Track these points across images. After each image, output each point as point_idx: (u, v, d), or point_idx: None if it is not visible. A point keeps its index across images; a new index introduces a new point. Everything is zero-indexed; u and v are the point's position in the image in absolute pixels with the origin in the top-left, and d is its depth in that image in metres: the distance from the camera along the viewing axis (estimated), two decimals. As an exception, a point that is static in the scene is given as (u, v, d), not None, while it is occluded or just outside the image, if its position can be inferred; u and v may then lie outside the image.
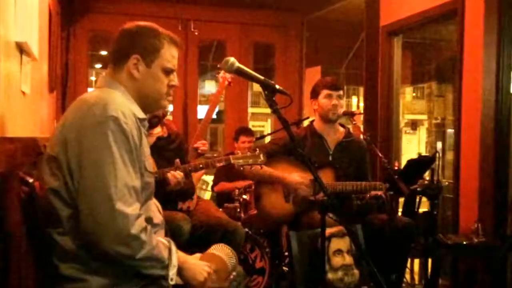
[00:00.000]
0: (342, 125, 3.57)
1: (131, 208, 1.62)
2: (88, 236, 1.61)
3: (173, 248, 1.79)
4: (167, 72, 1.87)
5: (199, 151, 3.49)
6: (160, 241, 1.75)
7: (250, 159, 2.89)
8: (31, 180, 1.73)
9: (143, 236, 1.63)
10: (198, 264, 1.90)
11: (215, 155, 4.02)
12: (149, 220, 1.78)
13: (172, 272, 1.74)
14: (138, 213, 1.65)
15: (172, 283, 1.74)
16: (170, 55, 1.87)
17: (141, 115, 1.82)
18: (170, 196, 2.94)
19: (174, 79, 1.91)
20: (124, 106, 1.72)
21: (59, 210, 1.67)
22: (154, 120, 3.00)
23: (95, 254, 1.63)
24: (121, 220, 1.59)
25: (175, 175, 2.86)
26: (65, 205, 1.67)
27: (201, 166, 2.96)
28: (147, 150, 1.81)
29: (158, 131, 3.11)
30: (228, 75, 3.62)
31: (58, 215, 1.67)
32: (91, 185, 1.60)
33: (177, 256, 1.82)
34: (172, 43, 1.87)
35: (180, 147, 3.20)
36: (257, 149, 2.96)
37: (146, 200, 1.81)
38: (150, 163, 1.83)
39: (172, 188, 2.87)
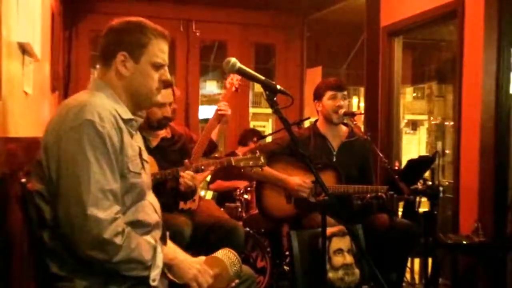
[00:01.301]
0: (345, 124, 3.56)
1: (105, 213, 1.61)
2: (66, 240, 1.62)
3: (159, 248, 1.77)
4: (157, 67, 1.84)
5: (219, 113, 3.53)
6: (145, 241, 1.73)
7: (251, 161, 2.90)
8: (23, 180, 1.74)
9: (117, 240, 1.62)
10: (187, 261, 1.88)
11: (216, 155, 4.01)
12: (137, 222, 1.76)
13: (155, 273, 1.72)
14: (113, 217, 1.63)
15: (154, 284, 1.72)
16: (158, 49, 1.83)
17: (127, 115, 1.80)
18: (171, 196, 2.94)
19: (166, 74, 1.88)
20: (103, 108, 1.70)
21: (44, 212, 1.68)
22: (164, 122, 3.00)
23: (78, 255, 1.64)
24: (93, 225, 1.58)
25: (186, 176, 2.85)
26: (48, 207, 1.68)
27: (202, 167, 2.95)
28: (131, 151, 1.78)
29: (162, 132, 3.10)
30: (236, 81, 3.63)
31: (44, 217, 1.69)
32: (65, 190, 1.61)
33: (166, 253, 1.80)
34: (160, 37, 1.84)
35: (183, 148, 3.19)
36: (258, 151, 2.96)
37: (135, 201, 1.79)
38: (135, 164, 1.79)
39: (185, 189, 2.86)
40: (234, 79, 3.63)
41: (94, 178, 1.62)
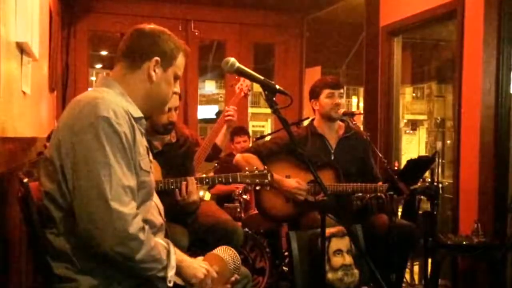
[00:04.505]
0: (341, 120, 3.54)
1: (127, 208, 1.61)
2: (87, 238, 1.60)
3: (172, 249, 1.78)
4: (175, 79, 1.91)
5: (226, 118, 3.52)
6: (159, 242, 1.74)
7: (257, 178, 2.86)
8: (25, 180, 1.73)
9: (141, 235, 1.62)
10: (196, 262, 1.90)
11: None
12: (146, 222, 1.76)
13: (171, 274, 1.73)
14: (136, 212, 1.64)
15: (170, 285, 1.73)
16: (181, 63, 1.91)
17: (137, 114, 1.81)
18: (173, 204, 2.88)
19: (177, 86, 1.96)
20: (116, 104, 1.71)
21: (53, 212, 1.68)
22: (169, 127, 2.94)
23: (87, 254, 1.63)
24: (118, 220, 1.58)
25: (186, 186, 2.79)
26: (58, 207, 1.67)
27: (207, 180, 2.91)
28: (142, 149, 1.80)
29: (166, 136, 3.02)
30: (245, 87, 3.62)
31: (52, 217, 1.68)
32: (85, 187, 1.60)
33: (175, 256, 1.81)
34: (184, 52, 1.92)
35: (187, 152, 3.12)
36: (265, 167, 2.92)
37: (144, 200, 1.80)
38: (146, 162, 1.81)
39: (181, 201, 2.81)
40: (243, 85, 3.63)
41: (114, 174, 1.62)
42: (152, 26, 1.89)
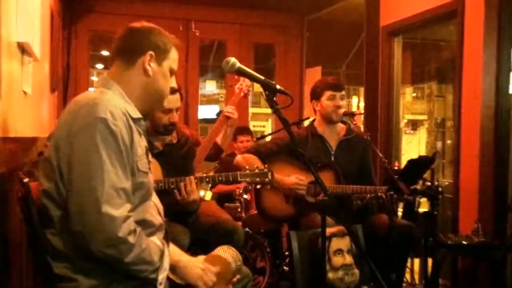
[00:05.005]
0: (343, 122, 3.54)
1: (118, 211, 1.61)
2: (78, 238, 1.61)
3: (166, 251, 1.79)
4: (171, 73, 1.92)
5: (226, 114, 3.51)
6: (153, 243, 1.74)
7: (258, 177, 2.86)
8: (25, 180, 1.73)
9: (130, 239, 1.62)
10: (192, 261, 1.91)
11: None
12: (143, 222, 1.77)
13: (162, 276, 1.74)
14: (126, 215, 1.63)
15: (161, 287, 1.73)
16: (175, 57, 1.93)
17: (136, 114, 1.82)
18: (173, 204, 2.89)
19: (173, 81, 1.96)
20: (114, 106, 1.71)
21: (51, 211, 1.68)
22: (170, 128, 2.94)
23: (86, 254, 1.63)
24: (108, 223, 1.58)
25: (185, 187, 2.79)
26: (56, 206, 1.68)
27: (207, 179, 2.91)
28: (140, 150, 1.80)
29: (167, 136, 3.02)
30: (245, 87, 3.62)
31: (51, 216, 1.68)
32: (79, 187, 1.61)
33: (171, 255, 1.82)
34: (176, 47, 1.93)
35: (188, 153, 3.12)
36: (265, 166, 2.92)
37: (142, 201, 1.80)
38: (144, 163, 1.81)
39: (181, 201, 2.82)
40: (243, 85, 3.63)
41: (107, 176, 1.62)
42: (141, 23, 1.91)
